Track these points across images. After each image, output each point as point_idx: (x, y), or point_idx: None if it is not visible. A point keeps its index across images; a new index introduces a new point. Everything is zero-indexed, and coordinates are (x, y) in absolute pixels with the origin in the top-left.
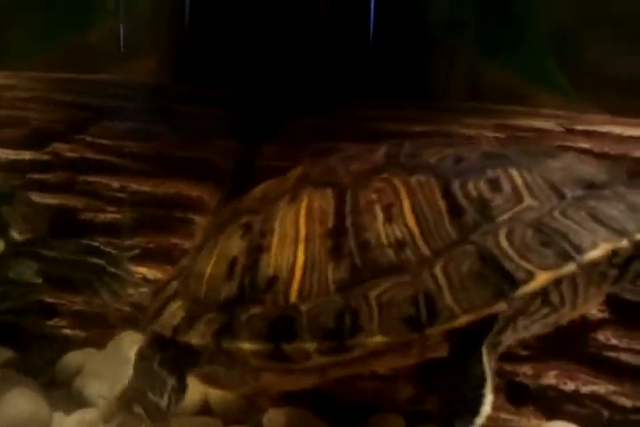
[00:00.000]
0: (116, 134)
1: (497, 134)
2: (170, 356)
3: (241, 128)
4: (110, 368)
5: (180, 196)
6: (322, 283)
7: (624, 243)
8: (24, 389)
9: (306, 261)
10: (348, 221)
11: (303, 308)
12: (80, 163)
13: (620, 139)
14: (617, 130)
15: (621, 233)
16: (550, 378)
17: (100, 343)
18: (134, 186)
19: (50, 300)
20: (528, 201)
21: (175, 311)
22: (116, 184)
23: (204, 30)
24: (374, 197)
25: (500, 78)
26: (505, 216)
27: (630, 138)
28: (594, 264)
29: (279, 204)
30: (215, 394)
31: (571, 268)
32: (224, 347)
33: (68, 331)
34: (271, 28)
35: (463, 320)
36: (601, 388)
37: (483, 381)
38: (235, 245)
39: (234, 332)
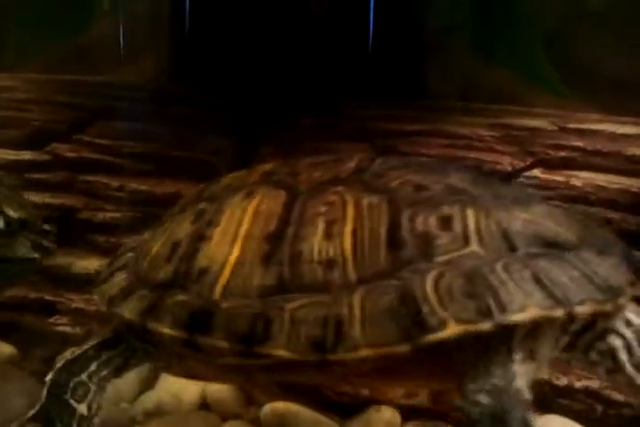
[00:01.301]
0: (115, 134)
1: (492, 133)
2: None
3: (238, 129)
4: None
5: (179, 195)
6: (247, 285)
7: (558, 312)
8: (23, 385)
9: (238, 260)
10: (290, 229)
11: (223, 305)
12: (79, 162)
13: (614, 137)
14: (610, 128)
15: (559, 302)
16: (544, 374)
17: None
18: (133, 185)
19: (49, 298)
20: (474, 247)
21: (117, 282)
22: (115, 183)
23: (203, 32)
24: (322, 209)
25: (495, 78)
26: (443, 258)
27: (623, 136)
28: (521, 326)
29: (234, 197)
30: (212, 389)
31: (486, 326)
32: (148, 327)
33: (67, 328)
34: (270, 29)
35: (363, 353)
36: (594, 383)
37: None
38: (183, 229)
39: (159, 314)
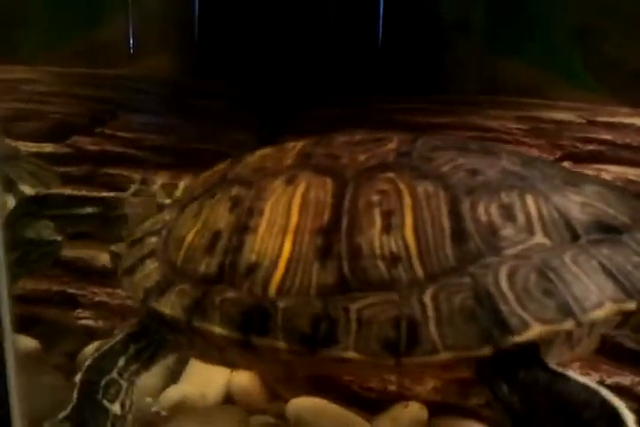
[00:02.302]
0: (136, 127)
1: (519, 126)
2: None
3: (259, 121)
4: None
5: None
6: (304, 282)
7: (632, 305)
8: (47, 379)
9: (291, 255)
10: (344, 221)
11: (280, 304)
12: (101, 156)
13: None
14: (639, 121)
15: (630, 294)
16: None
17: None
18: (155, 178)
19: (72, 291)
20: (539, 237)
21: (150, 273)
22: (136, 176)
23: (214, 26)
24: (376, 198)
25: (520, 72)
26: (512, 250)
27: None
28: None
29: (274, 182)
30: (237, 384)
31: (569, 325)
32: (194, 325)
33: (90, 322)
34: (281, 23)
35: (443, 357)
36: (625, 379)
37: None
38: (221, 217)
39: (205, 312)
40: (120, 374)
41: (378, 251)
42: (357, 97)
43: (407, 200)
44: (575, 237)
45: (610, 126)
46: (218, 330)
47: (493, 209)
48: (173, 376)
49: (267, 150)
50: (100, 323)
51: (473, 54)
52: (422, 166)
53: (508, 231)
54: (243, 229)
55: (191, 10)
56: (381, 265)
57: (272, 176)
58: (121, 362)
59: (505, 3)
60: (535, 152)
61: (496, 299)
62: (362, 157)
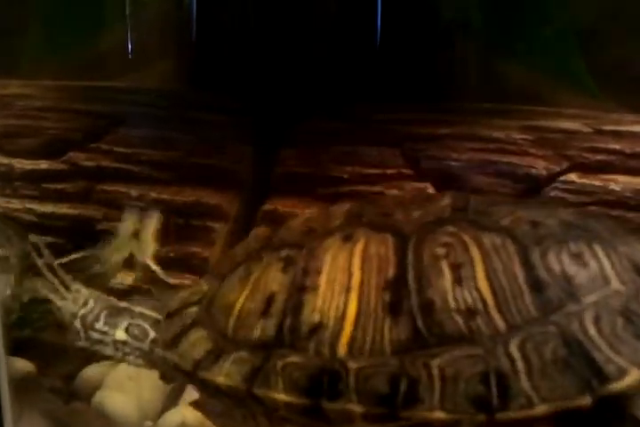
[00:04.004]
0: (133, 142)
1: (525, 136)
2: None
3: (258, 134)
4: (132, 381)
5: (199, 204)
6: (376, 341)
7: None
8: (43, 403)
9: (358, 313)
10: (410, 275)
11: (352, 365)
12: (97, 172)
13: None
14: None
15: None
16: None
17: None
18: (153, 194)
19: None
20: (615, 285)
21: (197, 342)
22: (133, 193)
23: (211, 36)
24: (441, 251)
25: (522, 78)
26: (591, 298)
27: None
28: None
29: (328, 241)
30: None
31: None
32: (255, 393)
33: (88, 344)
34: (278, 32)
35: (540, 410)
36: None
37: None
38: (274, 278)
39: (267, 378)
40: None
41: (452, 304)
42: (356, 105)
43: (475, 252)
44: None
45: (618, 135)
46: (282, 397)
47: (565, 258)
48: (173, 399)
49: (308, 214)
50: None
51: (473, 58)
52: (481, 220)
53: (583, 279)
54: (300, 289)
55: (189, 20)
56: (458, 318)
57: (324, 236)
58: None
59: (506, 6)
60: (542, 163)
61: (587, 346)
62: (416, 214)
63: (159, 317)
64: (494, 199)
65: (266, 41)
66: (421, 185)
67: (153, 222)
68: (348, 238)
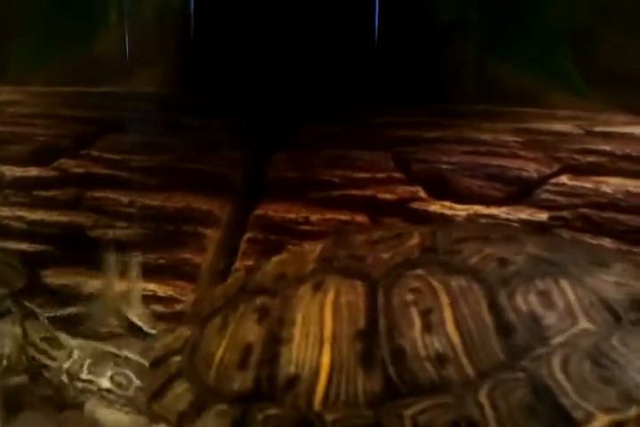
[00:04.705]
0: (123, 148)
1: (515, 138)
2: None
3: (249, 138)
4: None
5: (190, 209)
6: (350, 392)
7: None
8: (35, 412)
9: (332, 365)
10: (381, 323)
11: (328, 418)
12: (87, 178)
13: None
14: (638, 130)
15: None
16: None
17: None
18: (143, 200)
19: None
20: (583, 323)
21: (181, 395)
22: (124, 199)
23: (208, 39)
24: (410, 298)
25: (512, 79)
26: (559, 339)
27: None
28: None
29: (300, 290)
30: None
31: (633, 413)
32: None
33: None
34: (275, 35)
35: None
36: None
37: None
38: (250, 330)
39: None
40: None
41: (422, 351)
42: (347, 109)
43: (443, 297)
44: (617, 318)
45: (608, 136)
46: None
47: (532, 298)
48: None
49: (283, 256)
50: None
51: (468, 60)
52: (450, 260)
53: (551, 320)
54: (275, 340)
55: (186, 23)
56: (429, 366)
57: (296, 283)
58: None
59: (500, 8)
60: (532, 166)
61: (555, 392)
62: (386, 256)
63: (144, 362)
64: (464, 233)
65: (262, 43)
66: (413, 189)
67: (138, 287)
68: (319, 287)
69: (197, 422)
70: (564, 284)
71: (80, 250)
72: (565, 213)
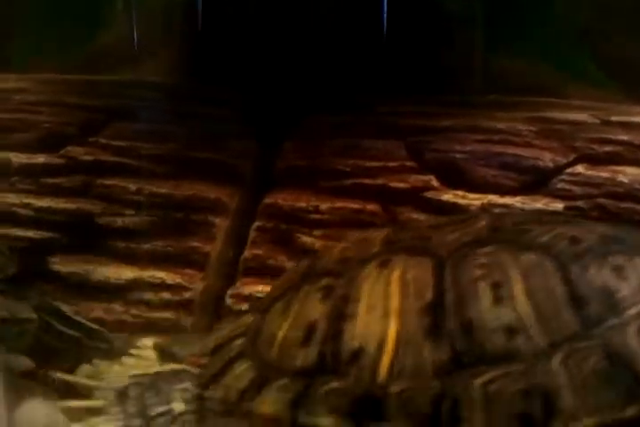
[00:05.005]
0: (131, 136)
1: (530, 127)
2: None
3: (258, 128)
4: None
5: (198, 198)
6: (416, 364)
7: None
8: (40, 399)
9: (398, 337)
10: (449, 298)
11: (393, 389)
12: (95, 166)
13: None
14: None
15: None
16: None
17: (119, 351)
18: (151, 188)
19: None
20: None
21: (242, 373)
22: (132, 187)
23: (216, 29)
24: (478, 273)
25: (526, 70)
26: (633, 311)
27: None
28: None
29: (365, 268)
30: None
31: None
32: (300, 421)
33: (86, 340)
34: (284, 25)
35: (587, 424)
36: None
37: None
38: (313, 308)
39: (311, 405)
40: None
41: (491, 324)
42: (359, 98)
43: (513, 271)
44: None
45: (625, 126)
46: (325, 422)
47: (605, 272)
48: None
49: (345, 244)
50: (97, 340)
51: (480, 51)
52: (520, 239)
53: (624, 292)
54: (339, 317)
55: (193, 13)
56: (498, 338)
57: (361, 264)
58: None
59: None
60: (548, 155)
61: (630, 359)
62: (453, 236)
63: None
64: (530, 217)
65: (270, 34)
66: (425, 178)
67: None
68: (385, 265)
69: (258, 399)
70: (638, 261)
71: (88, 237)
72: (581, 203)
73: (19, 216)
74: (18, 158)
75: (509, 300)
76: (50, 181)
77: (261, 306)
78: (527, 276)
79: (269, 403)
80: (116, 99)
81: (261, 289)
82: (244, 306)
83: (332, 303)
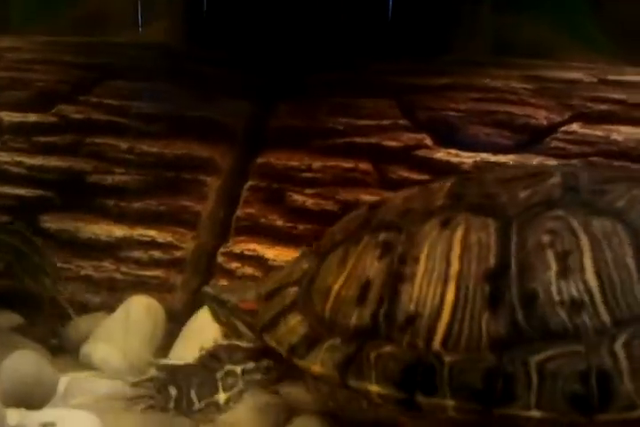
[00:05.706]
0: (123, 95)
1: (525, 86)
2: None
3: (251, 87)
4: (119, 333)
5: (190, 157)
6: (473, 334)
7: None
8: (29, 352)
9: (456, 304)
10: (513, 265)
11: (447, 358)
12: (87, 124)
13: None
14: None
15: None
16: None
17: (109, 308)
18: (143, 147)
19: (57, 264)
20: None
21: (294, 327)
22: (124, 145)
23: None
24: (546, 239)
25: (527, 32)
26: None
27: None
28: None
29: (426, 226)
30: None
31: None
32: (349, 384)
33: (75, 296)
34: None
35: None
36: None
37: None
38: (370, 265)
39: (361, 369)
40: (243, 373)
41: (556, 297)
42: (353, 57)
43: (584, 239)
44: None
45: (621, 85)
46: (375, 388)
47: None
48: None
49: (408, 192)
50: (87, 296)
51: (482, 14)
52: (594, 202)
53: None
54: (396, 277)
55: None
56: (562, 312)
57: (422, 219)
58: (250, 365)
59: None
60: (542, 113)
61: None
62: (523, 194)
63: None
64: (610, 170)
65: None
66: (418, 136)
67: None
68: (448, 223)
69: (308, 357)
70: None
71: (79, 195)
72: (575, 162)
73: (10, 174)
74: (9, 117)
75: (577, 271)
76: (41, 139)
77: (317, 252)
78: (598, 245)
79: (319, 364)
80: (109, 57)
81: (253, 247)
82: (236, 264)
83: (390, 262)
